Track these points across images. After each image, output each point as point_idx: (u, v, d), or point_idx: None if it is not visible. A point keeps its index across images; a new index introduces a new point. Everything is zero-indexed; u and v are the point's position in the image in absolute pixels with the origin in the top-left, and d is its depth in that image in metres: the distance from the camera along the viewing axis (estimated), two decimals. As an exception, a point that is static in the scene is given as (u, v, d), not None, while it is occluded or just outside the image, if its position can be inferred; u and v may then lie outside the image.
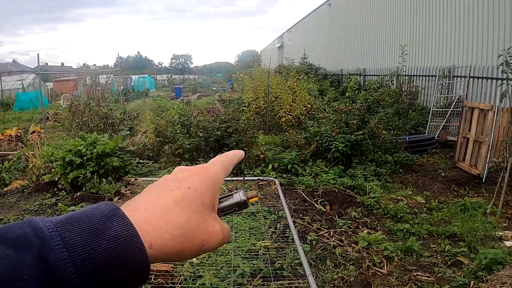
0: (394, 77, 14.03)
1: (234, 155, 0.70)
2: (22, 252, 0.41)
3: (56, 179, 7.94)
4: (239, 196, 0.66)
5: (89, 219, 0.47)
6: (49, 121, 16.57)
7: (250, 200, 0.67)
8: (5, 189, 7.98)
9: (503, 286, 3.74)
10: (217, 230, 0.58)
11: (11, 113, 22.80)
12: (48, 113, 17.96)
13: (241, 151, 0.72)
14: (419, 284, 4.37)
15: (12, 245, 0.42)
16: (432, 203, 6.70)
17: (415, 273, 4.58)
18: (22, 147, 10.35)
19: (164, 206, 0.54)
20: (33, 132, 13.99)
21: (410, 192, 7.20)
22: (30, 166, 8.60)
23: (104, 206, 0.50)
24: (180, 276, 4.12)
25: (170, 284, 3.97)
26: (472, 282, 4.24)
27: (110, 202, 0.51)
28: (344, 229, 5.73)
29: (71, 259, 0.42)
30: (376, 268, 4.69)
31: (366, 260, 4.85)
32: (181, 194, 0.56)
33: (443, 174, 8.41)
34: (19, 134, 13.13)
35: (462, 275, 4.42)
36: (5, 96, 28.63)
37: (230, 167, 0.68)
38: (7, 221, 6.14)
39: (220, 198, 0.64)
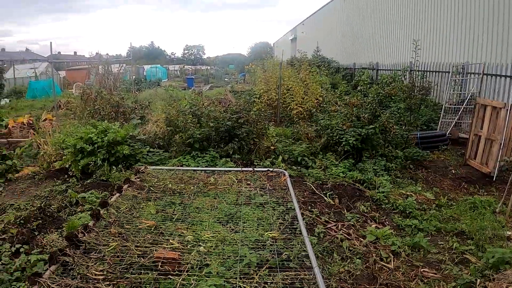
0: (407, 72, 13.91)
1: None
2: None
3: (67, 166, 8.02)
4: None
5: None
6: (61, 109, 16.71)
7: None
8: (16, 175, 8.08)
9: (510, 286, 3.71)
10: None
11: (24, 101, 23.01)
12: (60, 101, 18.11)
13: None
14: (426, 280, 4.36)
15: None
16: (442, 199, 6.67)
17: (422, 269, 4.57)
18: (34, 134, 10.44)
19: None
20: (45, 119, 14.12)
21: (420, 188, 7.17)
22: (41, 153, 8.68)
23: None
24: (187, 264, 4.15)
25: (176, 272, 4.01)
26: (478, 280, 4.22)
27: None
28: (352, 223, 5.73)
29: None
30: (383, 263, 4.69)
31: (373, 254, 4.84)
32: None
33: (453, 171, 8.35)
34: (31, 122, 13.26)
35: (469, 273, 4.40)
36: (17, 84, 28.95)
37: None
38: (17, 207, 6.21)
39: None
